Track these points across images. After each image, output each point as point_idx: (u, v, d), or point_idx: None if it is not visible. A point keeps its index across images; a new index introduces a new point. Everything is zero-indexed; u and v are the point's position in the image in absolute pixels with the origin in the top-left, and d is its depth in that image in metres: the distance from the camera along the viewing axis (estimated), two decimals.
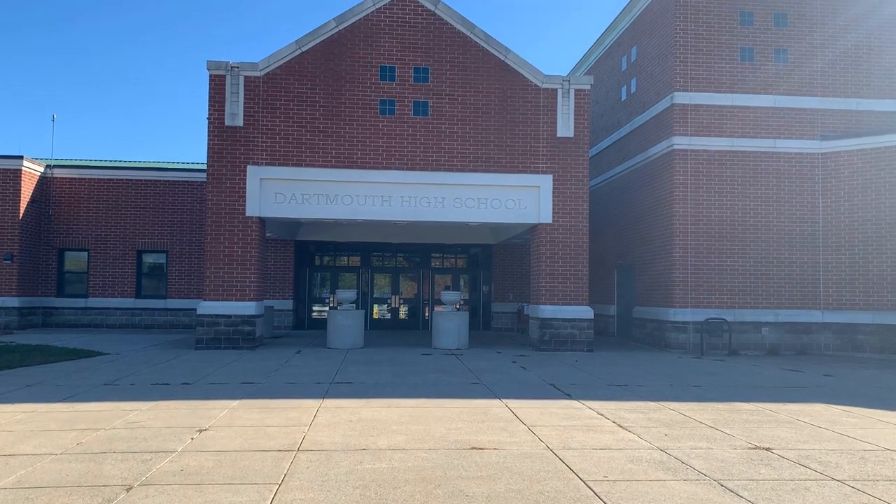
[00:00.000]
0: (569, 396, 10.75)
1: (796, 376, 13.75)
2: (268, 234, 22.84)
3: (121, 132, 78.19)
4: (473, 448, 7.25)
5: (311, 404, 9.70)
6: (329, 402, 9.86)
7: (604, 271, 23.47)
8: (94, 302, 24.41)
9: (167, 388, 10.98)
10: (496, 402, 10.13)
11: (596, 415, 9.29)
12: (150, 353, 16.28)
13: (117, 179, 24.70)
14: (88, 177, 24.61)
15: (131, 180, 24.73)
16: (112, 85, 77.13)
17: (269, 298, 24.11)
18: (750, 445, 7.62)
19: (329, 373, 13.01)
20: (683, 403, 10.32)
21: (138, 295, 24.78)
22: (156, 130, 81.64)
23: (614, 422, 8.83)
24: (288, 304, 24.53)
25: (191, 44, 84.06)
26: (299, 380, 12.08)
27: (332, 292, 24.60)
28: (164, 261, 24.99)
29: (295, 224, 23.33)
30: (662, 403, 10.27)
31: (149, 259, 25.16)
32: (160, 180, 24.76)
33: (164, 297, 24.76)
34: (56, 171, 24.58)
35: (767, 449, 7.47)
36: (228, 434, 7.78)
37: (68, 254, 24.78)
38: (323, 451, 7.08)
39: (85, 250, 24.67)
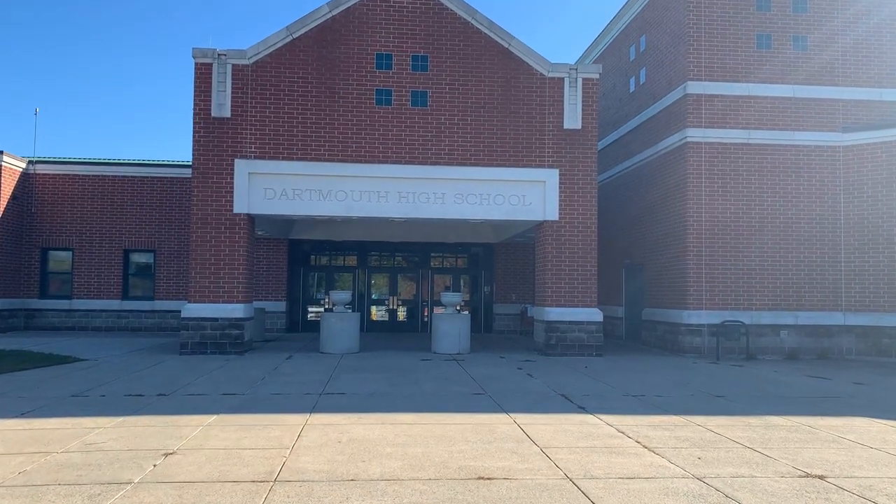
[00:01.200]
0: (583, 409, 9.73)
1: (824, 384, 12.74)
2: (259, 233, 21.85)
3: (107, 127, 76.29)
4: (480, 478, 6.23)
5: (296, 420, 8.68)
6: (317, 418, 8.84)
7: (610, 271, 22.45)
8: (78, 304, 23.38)
9: (140, 401, 9.96)
10: (503, 416, 9.11)
11: (616, 432, 8.28)
12: (132, 358, 15.26)
13: (103, 176, 23.67)
14: (73, 173, 23.57)
15: (118, 177, 23.70)
16: (98, 78, 75.24)
17: (260, 300, 23.11)
18: (799, 472, 6.60)
19: (320, 381, 11.99)
20: (710, 417, 9.30)
21: (125, 296, 23.75)
22: (144, 126, 79.87)
23: (638, 441, 7.81)
24: (281, 306, 23.50)
25: (181, 34, 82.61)
26: (286, 390, 11.06)
27: (328, 293, 23.58)
28: (152, 261, 23.95)
29: (287, 222, 22.31)
30: (687, 418, 9.25)
31: (136, 259, 24.12)
32: (148, 177, 23.73)
33: (152, 299, 23.73)
34: (39, 167, 23.54)
35: (820, 477, 6.46)
36: (197, 459, 6.76)
37: (52, 253, 23.75)
38: (304, 481, 6.06)
39: (69, 250, 23.64)
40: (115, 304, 23.56)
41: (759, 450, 7.48)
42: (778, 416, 9.47)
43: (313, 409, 9.48)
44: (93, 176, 23.63)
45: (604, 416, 9.24)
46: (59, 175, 23.53)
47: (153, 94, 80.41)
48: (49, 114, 70.26)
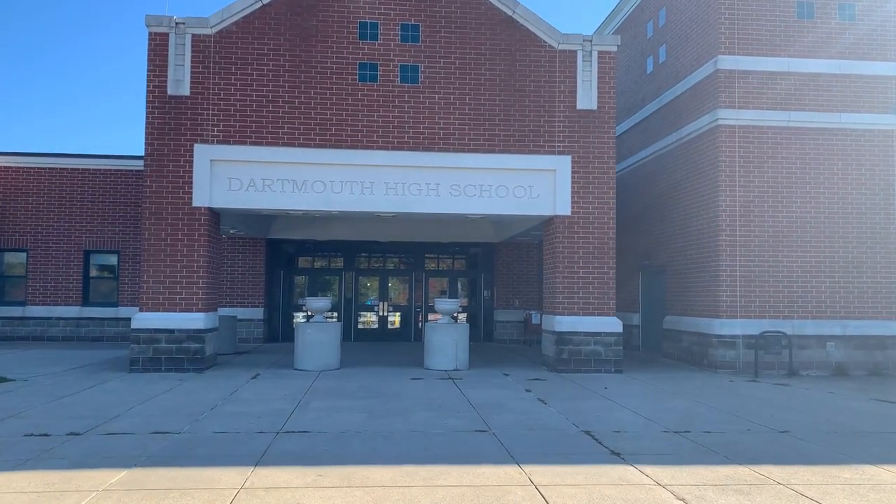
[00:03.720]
0: (618, 457, 7.39)
1: None
2: (231, 231, 19.52)
3: (61, 117, 69.82)
4: None
5: (230, 480, 6.33)
6: (260, 476, 6.48)
7: (626, 274, 20.07)
8: (33, 311, 20.99)
9: (41, 445, 7.60)
10: (514, 471, 6.77)
11: (673, 499, 5.94)
12: (69, 377, 12.90)
13: (61, 169, 21.28)
14: (26, 166, 21.17)
15: (77, 170, 21.31)
16: (51, 61, 68.65)
17: (235, 306, 20.77)
18: None
19: (282, 412, 9.64)
20: (789, 469, 6.97)
21: (85, 302, 21.35)
22: (107, 114, 73.12)
23: None
24: (258, 313, 21.12)
25: (138, 3, 73.89)
26: (237, 425, 8.70)
27: (304, 301, 21.23)
28: (115, 262, 21.57)
29: (264, 219, 19.96)
30: (757, 469, 6.92)
31: (98, 261, 21.73)
32: (111, 170, 21.33)
33: (116, 305, 21.35)
34: None
35: None
36: None
37: (4, 255, 21.35)
38: None
39: (23, 251, 21.24)
40: (75, 310, 21.18)
41: None
42: (876, 466, 7.15)
43: (261, 458, 7.13)
44: (49, 169, 21.24)
45: (649, 469, 6.89)
46: (10, 168, 21.13)
47: (115, 76, 73.26)
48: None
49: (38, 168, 21.15)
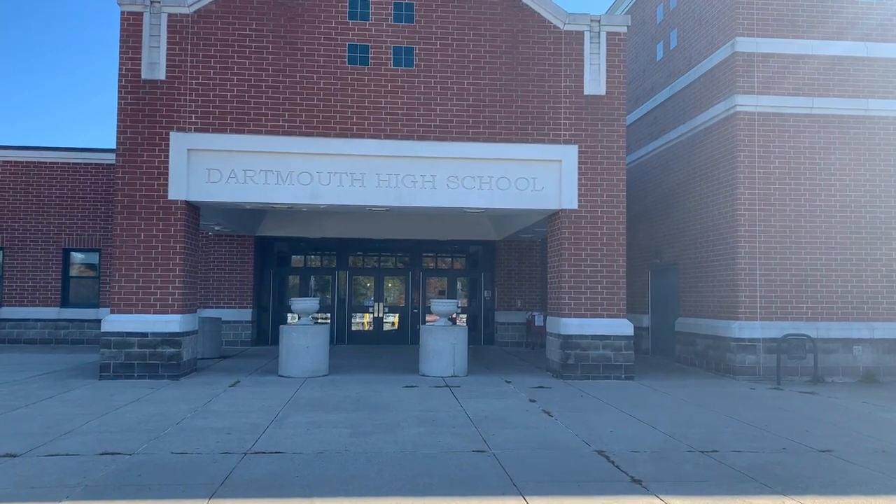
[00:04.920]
0: (639, 485, 6.30)
1: None
2: (217, 228, 18.46)
3: (38, 108, 67.53)
4: None
5: None
6: None
7: (634, 273, 18.97)
8: (8, 312, 19.90)
9: None
10: None
11: None
12: (32, 386, 11.82)
13: (38, 163, 20.20)
14: (1, 159, 20.09)
15: (56, 164, 20.23)
16: (23, 51, 66.75)
17: (221, 307, 19.72)
18: None
19: (256, 427, 8.55)
20: (842, 500, 5.88)
21: (64, 303, 20.28)
22: (86, 105, 71.15)
23: None
24: (246, 315, 20.04)
25: None
26: (200, 444, 7.61)
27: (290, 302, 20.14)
28: (96, 261, 20.50)
29: (253, 215, 18.88)
30: (805, 501, 5.82)
31: (78, 259, 20.66)
32: (92, 164, 20.26)
33: (97, 306, 20.26)
34: None
35: None
36: None
37: None
38: None
39: None
40: (53, 312, 20.10)
41: None
42: None
43: (219, 487, 6.05)
44: (26, 163, 20.16)
45: (678, 502, 5.80)
46: None
47: (92, 64, 70.78)
48: None
49: (14, 162, 20.07)
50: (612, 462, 7.11)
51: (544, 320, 19.40)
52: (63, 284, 20.28)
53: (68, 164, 20.28)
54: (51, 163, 20.22)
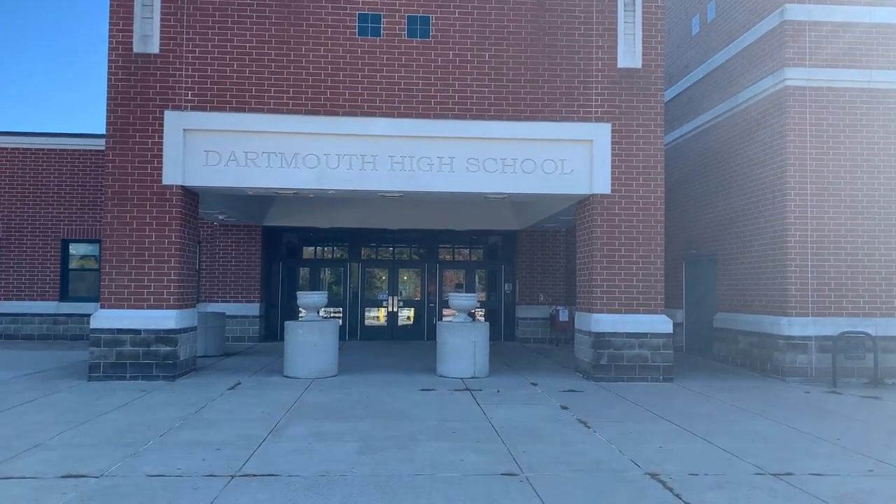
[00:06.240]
0: None
1: None
2: (221, 217, 17.39)
3: (34, 94, 66.09)
4: None
5: None
6: None
7: (667, 265, 17.50)
8: (5, 307, 18.94)
9: None
10: None
11: None
12: (15, 387, 10.79)
13: (35, 150, 19.19)
14: None
15: (53, 150, 19.22)
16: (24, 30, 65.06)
17: (227, 301, 18.67)
18: None
19: (250, 441, 7.42)
20: None
21: (63, 297, 19.30)
22: (84, 90, 69.60)
23: None
24: (254, 309, 18.97)
25: None
26: (181, 464, 6.49)
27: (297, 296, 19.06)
28: (97, 253, 19.49)
29: (259, 203, 17.79)
30: None
31: (77, 251, 19.68)
32: (90, 150, 19.20)
33: (97, 301, 19.13)
34: None
35: None
36: None
37: None
38: None
39: None
40: (52, 306, 19.13)
41: None
42: None
43: None
44: (22, 150, 19.15)
45: None
46: None
47: (92, 47, 69.18)
48: None
49: (9, 149, 19.06)
50: (671, 489, 5.91)
51: (569, 315, 18.19)
52: (62, 277, 19.31)
53: (66, 150, 19.26)
54: (48, 149, 19.20)
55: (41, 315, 19.07)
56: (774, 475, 6.39)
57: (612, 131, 12.33)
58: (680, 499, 5.65)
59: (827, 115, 12.73)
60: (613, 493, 5.75)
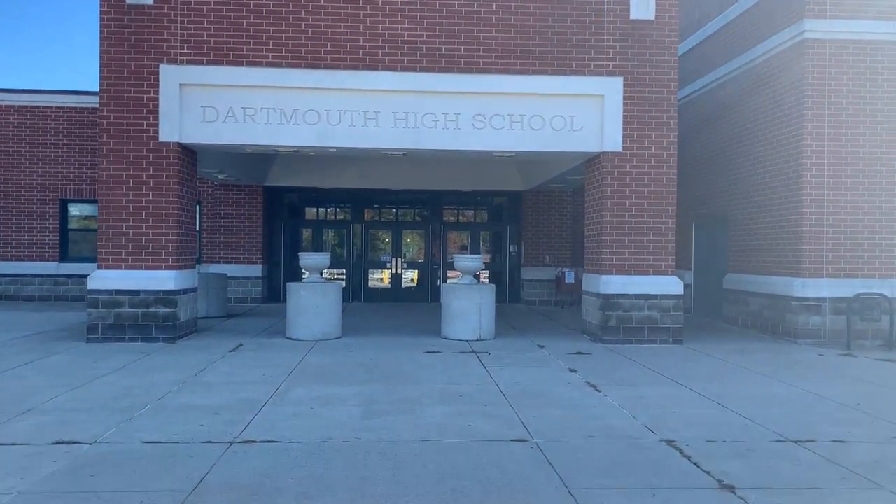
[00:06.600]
0: (732, 493, 4.85)
1: None
2: (221, 177, 17.04)
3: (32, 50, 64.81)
4: None
5: None
6: None
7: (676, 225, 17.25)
8: (5, 267, 18.73)
9: None
10: None
11: None
12: (12, 349, 10.58)
13: (32, 107, 18.77)
14: None
15: (50, 108, 18.80)
16: None
17: (229, 262, 18.43)
18: None
19: (250, 405, 7.19)
20: None
21: (64, 258, 19.07)
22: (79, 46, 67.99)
23: None
24: (256, 270, 18.73)
25: None
26: (178, 429, 6.25)
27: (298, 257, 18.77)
28: (96, 213, 19.16)
29: (260, 162, 17.41)
30: None
31: (77, 211, 19.42)
32: (88, 108, 18.74)
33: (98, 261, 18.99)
34: None
35: None
36: None
37: None
38: None
39: None
40: (52, 267, 18.91)
41: None
42: None
43: (190, 496, 4.68)
44: (19, 107, 18.74)
45: None
46: None
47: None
48: None
49: (4, 106, 18.66)
50: (688, 457, 5.65)
51: (575, 277, 17.91)
52: (62, 238, 19.07)
53: (62, 108, 18.85)
54: (44, 107, 18.79)
55: (41, 276, 18.86)
56: (795, 442, 6.13)
57: (624, 86, 11.87)
58: (699, 468, 5.40)
59: (847, 69, 12.24)
60: (629, 463, 5.50)
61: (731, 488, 4.96)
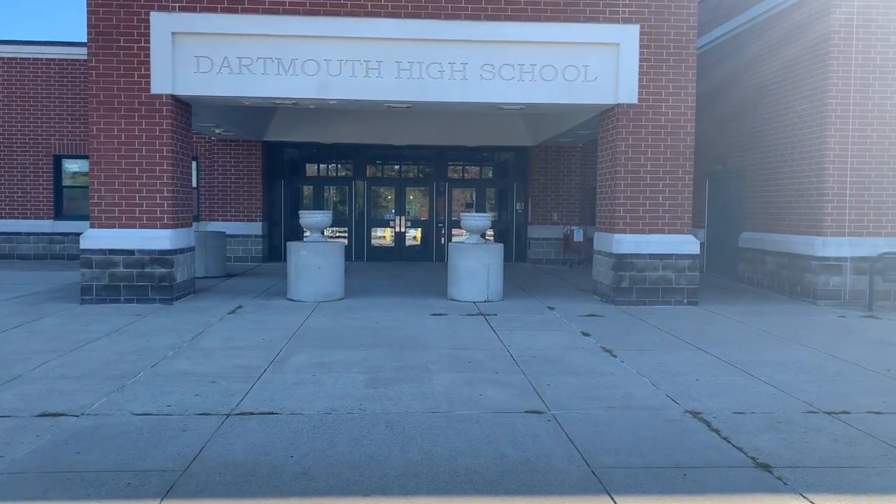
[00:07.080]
0: (769, 473, 4.47)
1: None
2: (218, 132, 16.49)
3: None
4: None
5: None
6: None
7: None
8: None
9: None
10: None
11: None
12: (4, 310, 10.22)
13: (23, 59, 18.12)
14: None
15: (40, 60, 18.14)
16: None
17: (228, 220, 17.99)
18: None
19: (249, 372, 6.81)
20: None
21: (58, 216, 18.63)
22: None
23: None
24: (256, 228, 18.29)
25: None
26: (172, 399, 5.88)
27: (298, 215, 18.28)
28: None
29: (259, 117, 16.81)
30: None
31: (72, 167, 18.90)
32: (81, 60, 18.09)
33: None
34: None
35: None
36: None
37: None
38: None
39: None
40: (47, 225, 18.49)
41: None
42: None
43: (181, 476, 4.31)
44: (7, 59, 18.09)
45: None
46: None
47: None
48: None
49: None
50: (717, 431, 5.27)
51: (584, 236, 17.47)
52: (56, 195, 18.59)
53: (53, 60, 18.20)
54: (33, 59, 18.14)
55: (36, 234, 18.46)
56: (829, 413, 5.75)
57: (641, 33, 11.24)
58: (730, 443, 5.01)
59: (876, 16, 11.57)
60: (654, 438, 5.11)
61: (767, 467, 4.57)
